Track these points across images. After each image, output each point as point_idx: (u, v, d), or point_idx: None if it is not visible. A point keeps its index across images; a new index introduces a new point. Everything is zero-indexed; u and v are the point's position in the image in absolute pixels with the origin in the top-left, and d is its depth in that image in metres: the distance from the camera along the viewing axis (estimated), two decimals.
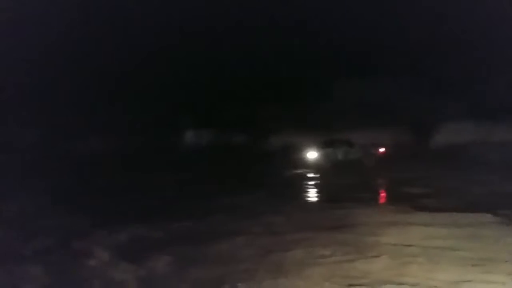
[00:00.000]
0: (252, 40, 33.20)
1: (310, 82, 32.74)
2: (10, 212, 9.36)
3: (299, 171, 18.01)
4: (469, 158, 17.94)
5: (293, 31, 34.78)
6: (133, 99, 31.96)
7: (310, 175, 16.75)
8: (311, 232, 6.92)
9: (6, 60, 25.34)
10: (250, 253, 6.00)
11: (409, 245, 5.89)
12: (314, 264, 5.38)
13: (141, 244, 6.65)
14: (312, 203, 11.31)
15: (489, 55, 26.49)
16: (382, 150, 20.04)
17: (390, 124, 25.98)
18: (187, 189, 13.39)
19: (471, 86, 27.23)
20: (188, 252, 6.17)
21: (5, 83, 26.26)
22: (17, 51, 27.39)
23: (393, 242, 6.08)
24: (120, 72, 30.74)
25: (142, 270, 5.47)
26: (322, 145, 19.92)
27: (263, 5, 33.88)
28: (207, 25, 34.18)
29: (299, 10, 34.45)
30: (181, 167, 20.26)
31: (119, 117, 30.52)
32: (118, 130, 29.03)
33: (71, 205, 10.07)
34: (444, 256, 5.38)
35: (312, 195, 12.48)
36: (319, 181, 15.19)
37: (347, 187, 13.03)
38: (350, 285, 4.71)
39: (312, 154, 19.77)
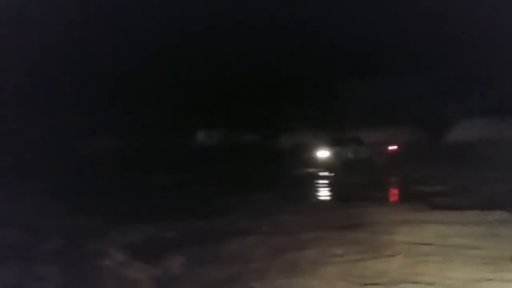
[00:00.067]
0: (256, 39, 33.19)
1: (320, 82, 32.73)
2: (19, 213, 9.31)
3: (309, 170, 17.97)
4: (482, 156, 17.72)
5: (299, 31, 34.75)
6: (139, 99, 32.00)
7: (321, 174, 16.70)
8: (323, 231, 6.86)
9: (6, 60, 25.28)
10: (262, 253, 5.95)
11: (424, 244, 5.83)
12: (327, 264, 5.33)
13: (153, 244, 6.61)
14: (324, 202, 11.18)
15: (499, 52, 26.42)
16: (393, 148, 19.92)
17: (400, 122, 25.97)
18: (197, 189, 13.35)
19: (482, 84, 27.16)
20: (201, 252, 6.13)
21: (5, 83, 26.19)
22: (17, 51, 27.34)
23: (407, 241, 6.02)
24: (122, 72, 30.73)
25: (156, 270, 5.43)
26: (331, 144, 19.86)
27: (263, 5, 33.83)
28: (207, 25, 34.14)
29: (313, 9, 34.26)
30: (191, 167, 20.24)
31: (126, 117, 30.54)
32: (126, 130, 29.07)
33: (82, 205, 10.05)
34: (460, 254, 5.33)
35: (323, 194, 12.37)
36: (330, 180, 15.10)
37: (358, 185, 12.92)
38: (365, 284, 4.66)
39: (322, 153, 19.73)
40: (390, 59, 30.23)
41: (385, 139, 20.89)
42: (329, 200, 11.44)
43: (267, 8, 34.09)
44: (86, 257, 6.00)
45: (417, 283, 4.59)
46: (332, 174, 16.38)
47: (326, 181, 14.75)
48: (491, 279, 4.54)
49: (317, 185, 13.90)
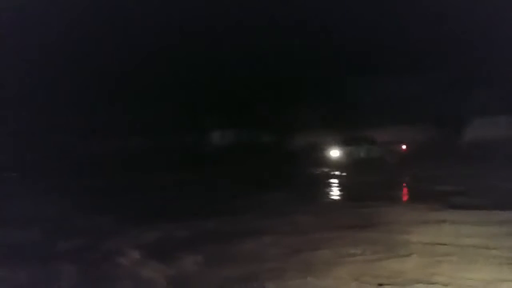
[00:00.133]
0: (267, 39, 33.16)
1: (332, 81, 32.64)
2: (29, 213, 9.36)
3: (322, 169, 17.93)
4: (499, 154, 17.42)
5: (305, 31, 34.75)
6: (146, 99, 31.92)
7: (334, 173, 16.63)
8: (338, 231, 6.85)
9: (6, 60, 25.22)
10: (277, 252, 5.96)
11: (440, 244, 5.81)
12: (343, 263, 5.33)
13: (169, 244, 6.65)
14: (338, 201, 11.06)
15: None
16: (403, 147, 19.90)
17: (415, 121, 25.85)
18: (212, 188, 13.42)
19: (500, 80, 26.98)
20: (216, 251, 6.17)
21: (5, 83, 26.13)
22: (17, 51, 27.28)
23: (423, 241, 6.00)
24: (123, 72, 30.67)
25: (171, 269, 5.48)
26: (344, 143, 19.86)
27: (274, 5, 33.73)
28: (212, 25, 34.11)
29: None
30: (204, 167, 20.24)
31: (134, 118, 30.50)
32: (135, 131, 29.03)
33: (96, 205, 10.17)
34: (478, 254, 5.31)
35: (337, 193, 12.26)
36: (343, 180, 15.01)
37: (372, 185, 12.85)
38: (380, 284, 4.65)
39: (334, 153, 19.73)
40: (403, 58, 30.20)
41: (397, 138, 20.80)
42: (343, 199, 11.32)
43: (286, 9, 34.03)
44: (102, 256, 6.07)
45: (432, 283, 4.58)
46: (345, 174, 16.33)
47: (340, 181, 14.67)
48: (508, 280, 4.51)
49: (330, 184, 13.84)
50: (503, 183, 11.35)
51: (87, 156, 24.20)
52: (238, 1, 33.15)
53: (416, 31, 31.25)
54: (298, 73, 33.74)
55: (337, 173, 16.57)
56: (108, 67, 30.35)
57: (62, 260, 5.86)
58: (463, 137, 24.09)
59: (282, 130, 30.33)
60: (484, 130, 23.06)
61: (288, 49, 34.50)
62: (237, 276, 5.12)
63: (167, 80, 33.16)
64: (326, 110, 29.85)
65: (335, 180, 14.74)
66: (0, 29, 25.81)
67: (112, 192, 12.76)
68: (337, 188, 13.12)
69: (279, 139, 29.90)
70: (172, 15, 34.50)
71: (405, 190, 12.28)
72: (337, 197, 11.65)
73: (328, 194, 12.10)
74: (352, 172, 16.62)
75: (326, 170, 17.64)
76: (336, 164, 18.73)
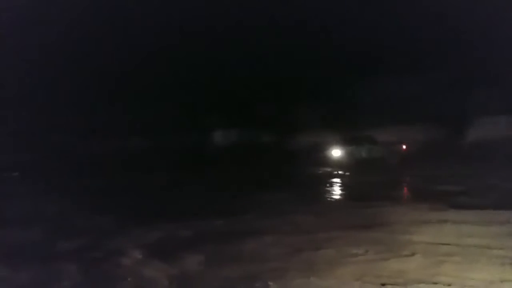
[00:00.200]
0: (262, 39, 33.17)
1: (333, 81, 32.65)
2: (32, 213, 9.36)
3: (324, 169, 17.94)
4: (500, 154, 17.44)
5: (308, 31, 34.76)
6: (148, 99, 31.92)
7: (335, 173, 16.63)
8: (341, 230, 6.84)
9: (6, 60, 25.20)
10: (279, 252, 5.95)
11: (444, 244, 5.79)
12: (345, 263, 5.32)
13: (171, 243, 6.65)
14: (340, 201, 11.05)
15: None
16: (403, 147, 19.91)
17: (415, 121, 25.85)
18: (213, 188, 13.39)
19: (500, 80, 26.92)
20: (217, 251, 6.16)
21: (5, 83, 26.11)
22: (17, 51, 27.26)
23: (427, 241, 5.99)
24: (124, 72, 30.68)
25: (174, 268, 5.47)
26: (345, 143, 19.88)
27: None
28: (208, 25, 34.11)
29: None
30: (206, 167, 20.23)
31: (135, 118, 30.49)
32: (135, 131, 29.02)
33: (96, 205, 10.16)
34: (481, 254, 5.30)
35: (339, 193, 12.24)
36: (345, 179, 15.00)
37: (374, 184, 12.84)
38: (383, 284, 4.64)
39: (336, 152, 19.76)
40: (403, 58, 30.27)
41: (397, 138, 20.84)
42: (345, 199, 11.30)
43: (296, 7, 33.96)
44: (103, 256, 6.06)
45: (435, 283, 4.57)
46: (347, 173, 16.32)
47: (341, 180, 14.65)
48: (510, 280, 4.50)
49: (332, 184, 13.82)
50: (504, 183, 11.37)
51: (87, 156, 24.19)
52: (238, 1, 33.13)
53: (416, 31, 31.27)
54: (298, 73, 33.76)
55: (338, 172, 16.57)
56: (108, 67, 30.33)
57: (64, 260, 5.85)
58: (463, 137, 24.05)
59: (283, 130, 30.31)
60: (484, 130, 23.03)
61: (288, 49, 34.54)
62: (239, 276, 5.11)
63: (167, 80, 33.17)
64: (326, 110, 29.86)
65: (336, 180, 14.72)
66: (0, 29, 25.77)
67: (113, 192, 12.76)
68: (339, 188, 13.09)
69: (280, 139, 29.87)
70: (172, 15, 34.49)
71: (406, 190, 12.28)
72: (339, 197, 11.62)
73: (330, 193, 12.07)
74: (353, 171, 16.62)
75: (327, 169, 17.63)
76: (337, 164, 18.74)
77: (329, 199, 11.28)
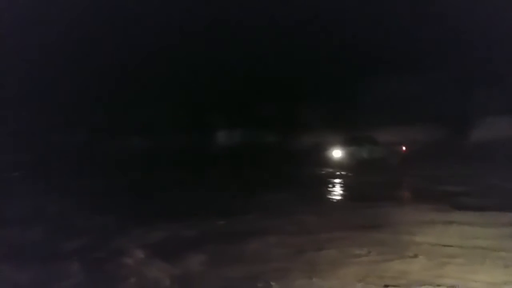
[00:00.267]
0: (262, 39, 33.13)
1: (334, 81, 32.60)
2: (34, 213, 9.35)
3: (325, 169, 17.89)
4: (501, 154, 17.40)
5: (311, 31, 34.70)
6: (149, 99, 31.87)
7: (337, 173, 16.58)
8: (343, 231, 6.83)
9: (6, 60, 25.18)
10: (282, 252, 5.94)
11: (446, 245, 5.78)
12: (348, 264, 5.31)
13: (173, 243, 6.63)
14: (342, 202, 10.97)
15: None
16: (404, 148, 19.88)
17: (416, 121, 25.78)
18: (214, 188, 13.35)
19: (501, 80, 26.84)
20: (220, 251, 6.15)
21: (5, 83, 26.09)
22: (17, 51, 27.23)
23: (430, 242, 5.97)
24: (125, 71, 30.67)
25: (176, 268, 5.47)
26: (346, 144, 19.87)
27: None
28: (208, 25, 34.09)
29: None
30: (209, 167, 20.23)
31: (138, 117, 30.49)
32: (137, 130, 29.00)
33: (97, 205, 10.15)
34: (485, 256, 5.28)
35: (342, 193, 12.15)
36: (347, 180, 14.94)
37: (376, 185, 12.79)
38: (386, 285, 4.63)
39: (337, 153, 19.75)
40: (407, 57, 30.21)
41: (397, 139, 20.79)
42: (347, 200, 11.21)
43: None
44: (106, 255, 6.06)
45: (439, 285, 4.56)
46: (349, 174, 16.29)
47: (343, 181, 14.59)
48: None
49: (334, 184, 13.75)
50: (506, 183, 11.37)
51: (87, 156, 24.18)
52: (238, 1, 33.11)
53: (416, 31, 31.22)
54: (298, 73, 33.74)
55: (340, 173, 16.55)
56: (108, 67, 30.31)
57: (65, 260, 5.84)
58: (463, 137, 24.02)
59: (283, 130, 30.31)
60: (485, 130, 22.99)
61: (288, 49, 34.49)
62: (241, 276, 5.11)
63: (167, 80, 33.15)
64: (326, 110, 29.84)
65: (338, 180, 14.68)
66: (0, 29, 25.75)
67: (113, 192, 12.71)
68: (341, 188, 13.04)
69: (280, 139, 29.87)
70: (172, 15, 34.45)
71: (408, 190, 12.24)
72: (341, 197, 11.57)
73: (332, 194, 12.02)
74: (354, 172, 16.58)
75: (328, 170, 17.61)
76: (338, 164, 18.72)
77: (331, 199, 11.23)
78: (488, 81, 27.40)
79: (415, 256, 5.44)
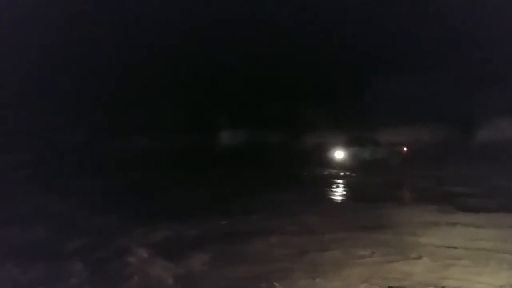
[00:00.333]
0: (262, 39, 33.11)
1: (338, 81, 32.55)
2: (38, 212, 9.35)
3: (328, 170, 17.86)
4: (504, 154, 17.38)
5: (313, 30, 34.70)
6: (151, 99, 31.82)
7: (340, 174, 16.55)
8: (347, 232, 6.81)
9: (6, 60, 25.15)
10: (286, 253, 5.92)
11: (452, 247, 5.77)
12: (352, 265, 5.30)
13: (176, 243, 6.63)
14: (346, 202, 10.90)
15: None
16: (404, 148, 19.84)
17: (417, 121, 25.75)
18: (219, 189, 13.29)
19: (501, 80, 26.77)
20: (224, 251, 6.14)
21: (5, 83, 26.05)
22: (17, 51, 27.19)
23: (434, 243, 5.96)
24: (125, 71, 30.62)
25: (180, 268, 5.46)
26: (348, 144, 19.87)
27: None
28: (208, 25, 34.03)
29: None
30: (212, 167, 20.21)
31: (138, 117, 30.43)
32: (137, 130, 28.97)
33: (97, 205, 10.16)
34: (489, 258, 5.26)
35: (345, 194, 12.08)
36: (350, 180, 14.86)
37: (379, 186, 12.77)
38: (390, 287, 4.63)
39: (339, 154, 19.75)
40: (407, 57, 30.20)
41: (398, 139, 20.76)
42: (351, 200, 11.14)
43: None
44: (109, 255, 6.05)
45: (443, 287, 4.55)
46: (351, 174, 16.26)
47: (346, 181, 14.53)
48: None
49: (338, 185, 13.69)
50: (510, 184, 11.35)
51: (88, 156, 24.16)
52: (238, 1, 33.10)
53: (416, 31, 31.21)
54: (298, 73, 33.72)
55: (343, 173, 16.52)
56: (108, 67, 30.26)
57: (68, 259, 5.84)
58: (465, 137, 23.99)
59: (284, 131, 30.29)
60: (485, 130, 22.97)
61: (288, 49, 34.46)
62: (244, 276, 5.10)
63: (167, 80, 33.13)
64: (327, 110, 29.82)
65: (341, 181, 14.63)
66: (0, 29, 25.71)
67: (114, 192, 12.70)
68: (344, 189, 12.98)
69: (281, 140, 29.83)
70: (172, 15, 34.42)
71: (412, 191, 12.19)
72: (344, 198, 11.51)
73: (335, 194, 11.97)
74: (357, 172, 16.56)
75: (331, 170, 17.59)
76: (340, 165, 18.71)
77: (333, 199, 11.19)
78: (487, 81, 27.38)
79: (419, 257, 5.42)
